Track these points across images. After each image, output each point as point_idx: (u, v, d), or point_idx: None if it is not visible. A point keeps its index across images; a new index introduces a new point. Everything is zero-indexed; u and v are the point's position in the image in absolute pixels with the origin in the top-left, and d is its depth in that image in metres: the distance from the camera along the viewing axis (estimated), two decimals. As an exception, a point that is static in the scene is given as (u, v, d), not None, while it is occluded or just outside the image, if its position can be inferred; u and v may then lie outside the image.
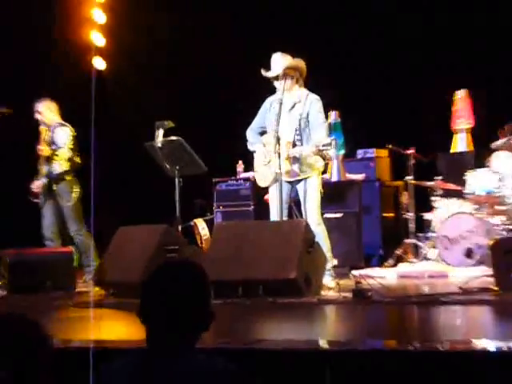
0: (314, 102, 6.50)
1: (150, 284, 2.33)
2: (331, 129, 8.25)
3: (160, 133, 6.91)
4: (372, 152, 9.03)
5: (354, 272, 7.20)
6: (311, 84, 6.65)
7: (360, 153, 9.12)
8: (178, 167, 6.94)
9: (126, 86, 10.74)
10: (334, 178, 8.68)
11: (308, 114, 6.49)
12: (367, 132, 9.06)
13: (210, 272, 2.55)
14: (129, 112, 10.53)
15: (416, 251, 8.34)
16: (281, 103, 6.45)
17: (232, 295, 5.70)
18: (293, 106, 6.54)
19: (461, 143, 8.99)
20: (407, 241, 8.37)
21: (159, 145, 6.90)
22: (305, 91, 6.59)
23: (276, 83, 6.59)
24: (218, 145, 9.53)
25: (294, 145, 6.47)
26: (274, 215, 6.50)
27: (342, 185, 8.59)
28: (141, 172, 10.23)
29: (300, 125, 6.49)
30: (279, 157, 6.34)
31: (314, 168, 6.51)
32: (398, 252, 8.25)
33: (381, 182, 8.87)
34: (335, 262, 6.58)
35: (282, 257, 5.79)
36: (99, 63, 9.90)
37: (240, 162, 9.23)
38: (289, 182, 6.54)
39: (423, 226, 8.48)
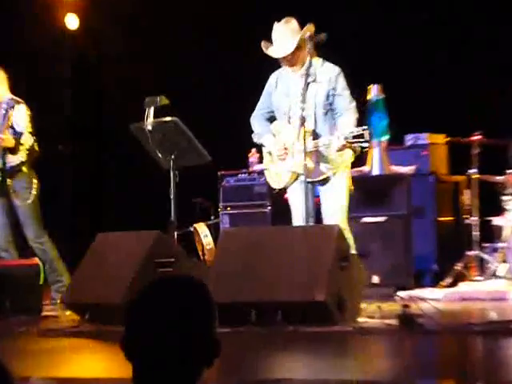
0: (336, 77, 6.44)
1: (137, 307, 2.34)
2: (372, 107, 8.24)
3: (150, 112, 6.92)
4: (425, 138, 9.01)
5: (401, 293, 7.20)
6: (346, 52, 6.62)
7: (409, 138, 9.11)
8: (173, 156, 6.95)
9: (105, 52, 10.76)
10: (376, 171, 8.67)
11: (329, 94, 6.45)
12: (419, 112, 9.04)
13: (216, 292, 2.56)
14: (110, 85, 10.55)
15: (481, 266, 8.33)
16: (307, 74, 6.41)
17: (243, 322, 5.72)
18: (308, 84, 6.46)
19: (540, 127, 8.98)
20: (470, 253, 8.36)
21: (149, 127, 6.92)
22: (320, 62, 6.53)
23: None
24: (224, 128, 9.55)
25: (315, 135, 6.44)
26: (299, 222, 6.51)
27: (386, 180, 8.59)
28: (125, 162, 10.28)
29: (320, 108, 6.46)
30: (304, 146, 6.30)
31: (340, 162, 6.50)
32: (458, 267, 8.24)
33: (436, 176, 8.86)
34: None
35: (307, 273, 5.80)
36: (72, 21, 9.94)
37: (253, 150, 9.22)
38: (308, 182, 6.50)
39: (490, 234, 8.47)
